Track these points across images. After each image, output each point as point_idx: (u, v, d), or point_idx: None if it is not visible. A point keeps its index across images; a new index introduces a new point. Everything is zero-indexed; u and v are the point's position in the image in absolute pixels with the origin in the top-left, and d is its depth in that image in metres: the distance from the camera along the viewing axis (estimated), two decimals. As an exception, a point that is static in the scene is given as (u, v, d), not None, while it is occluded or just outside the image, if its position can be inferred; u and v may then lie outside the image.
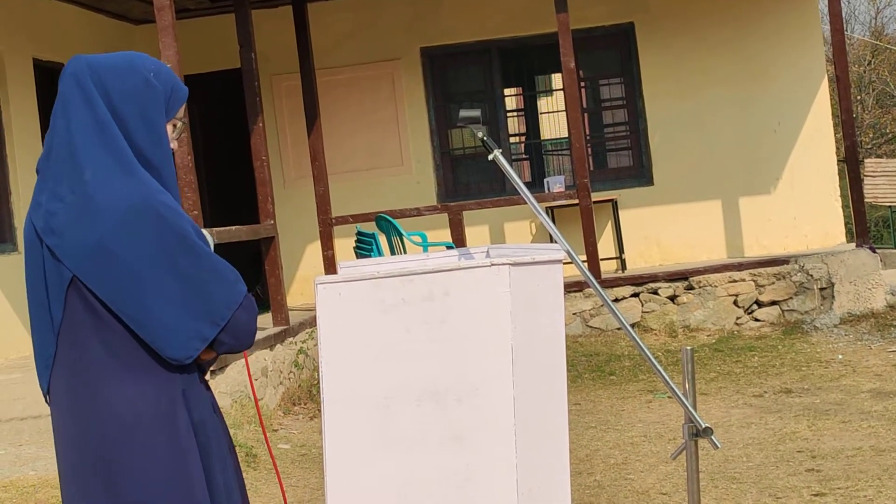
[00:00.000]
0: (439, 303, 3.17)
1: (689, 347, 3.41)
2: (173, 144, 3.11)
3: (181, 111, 3.11)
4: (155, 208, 2.88)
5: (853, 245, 12.33)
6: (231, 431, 3.87)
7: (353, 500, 3.26)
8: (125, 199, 2.87)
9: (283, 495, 3.54)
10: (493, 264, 3.17)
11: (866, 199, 14.61)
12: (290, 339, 10.26)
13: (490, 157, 3.46)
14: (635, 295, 11.98)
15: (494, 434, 3.17)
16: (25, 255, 3.01)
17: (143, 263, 2.86)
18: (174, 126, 3.10)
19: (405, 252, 10.89)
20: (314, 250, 13.02)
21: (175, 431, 2.91)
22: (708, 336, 11.60)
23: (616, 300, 11.86)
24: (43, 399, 3.08)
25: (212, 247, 3.17)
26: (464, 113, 3.49)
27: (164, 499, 2.89)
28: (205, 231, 3.15)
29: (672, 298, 11.94)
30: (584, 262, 11.58)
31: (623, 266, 12.89)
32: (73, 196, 2.88)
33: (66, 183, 2.90)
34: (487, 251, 3.81)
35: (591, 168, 13.20)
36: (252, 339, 3.03)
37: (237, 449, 3.88)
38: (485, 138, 3.46)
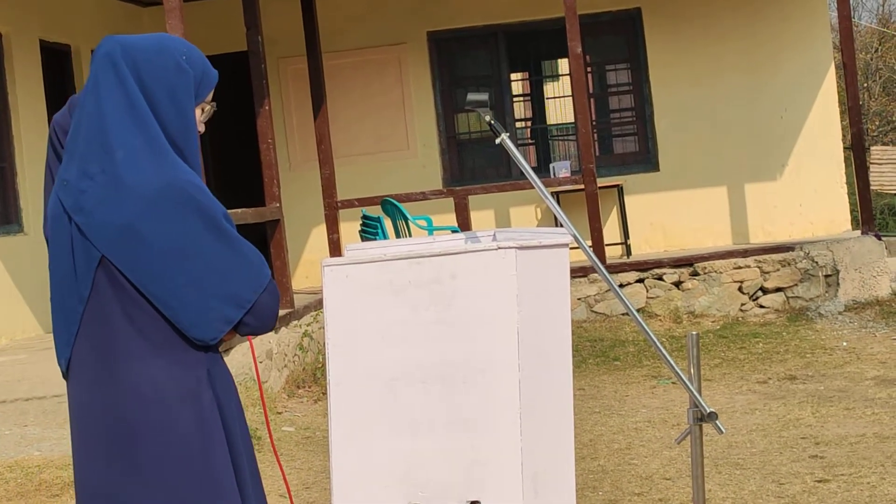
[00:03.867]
0: (446, 285, 3.18)
1: (694, 332, 3.42)
2: (201, 128, 3.12)
3: (210, 95, 3.11)
4: (185, 190, 2.89)
5: (858, 232, 12.33)
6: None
7: (358, 482, 3.26)
8: (156, 181, 2.88)
9: (285, 478, 3.55)
10: (499, 248, 3.17)
11: (872, 187, 14.60)
12: (295, 322, 10.28)
13: (497, 140, 3.46)
14: (640, 281, 11.98)
15: (500, 417, 3.17)
16: (50, 231, 3.01)
17: (171, 245, 2.88)
18: (202, 110, 3.11)
19: (410, 236, 10.89)
20: (319, 233, 13.03)
21: (200, 410, 2.93)
22: (712, 322, 11.61)
23: (621, 286, 11.87)
24: (53, 378, 3.10)
25: None
26: (472, 97, 3.49)
27: (187, 478, 2.90)
28: None
29: (677, 284, 11.94)
30: (589, 247, 11.55)
31: (628, 252, 12.89)
32: (104, 175, 2.89)
33: (97, 162, 2.91)
34: (494, 235, 3.81)
35: (597, 153, 13.20)
36: (274, 321, 3.06)
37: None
38: (492, 122, 3.45)
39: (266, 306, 2.99)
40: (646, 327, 3.34)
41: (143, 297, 2.90)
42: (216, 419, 2.96)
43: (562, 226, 3.47)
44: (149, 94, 2.95)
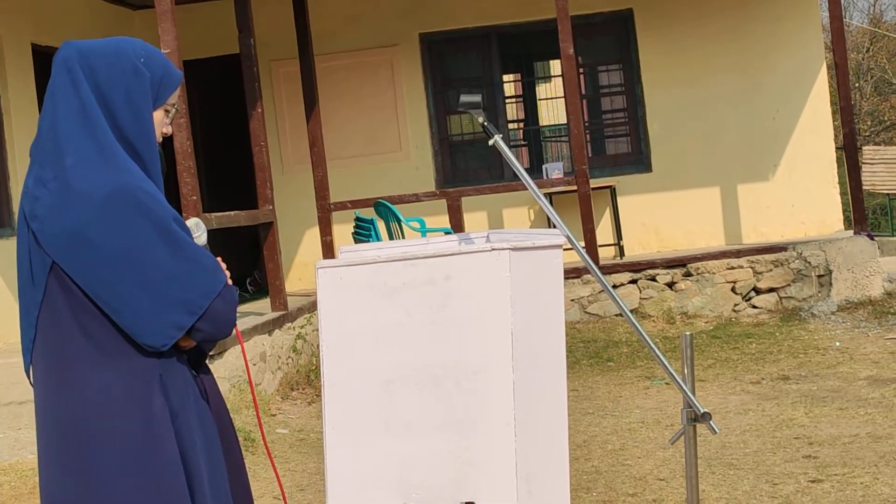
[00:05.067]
0: (440, 287, 3.18)
1: (688, 333, 3.43)
2: (167, 129, 3.11)
3: (174, 97, 3.10)
4: (135, 196, 2.88)
5: (851, 232, 12.34)
6: (231, 415, 3.87)
7: (353, 483, 3.27)
8: (105, 187, 2.87)
9: (279, 480, 3.55)
10: (493, 249, 3.18)
11: (864, 187, 14.62)
12: (289, 324, 10.27)
13: (490, 142, 3.46)
14: (633, 282, 11.98)
15: (494, 418, 3.17)
16: (17, 237, 3.03)
17: (120, 251, 2.86)
18: (166, 112, 3.09)
19: (403, 238, 10.89)
20: (312, 236, 13.03)
21: (149, 416, 2.91)
22: (706, 323, 11.62)
23: (614, 287, 11.86)
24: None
25: (204, 234, 3.19)
26: (464, 98, 3.50)
27: (135, 483, 2.89)
28: (193, 220, 3.15)
29: (670, 285, 11.95)
30: (582, 248, 11.56)
31: (621, 253, 12.90)
32: (56, 182, 2.90)
33: (50, 168, 2.92)
34: (488, 236, 3.82)
35: (590, 155, 13.20)
36: (230, 328, 3.03)
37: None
38: (485, 123, 3.46)
39: (220, 312, 2.97)
40: (640, 328, 3.34)
41: (94, 302, 2.89)
42: (167, 425, 2.93)
43: (555, 227, 3.48)
44: (105, 98, 2.95)
